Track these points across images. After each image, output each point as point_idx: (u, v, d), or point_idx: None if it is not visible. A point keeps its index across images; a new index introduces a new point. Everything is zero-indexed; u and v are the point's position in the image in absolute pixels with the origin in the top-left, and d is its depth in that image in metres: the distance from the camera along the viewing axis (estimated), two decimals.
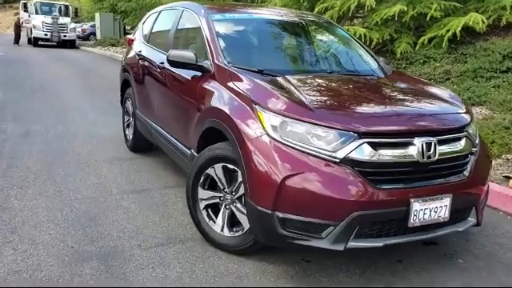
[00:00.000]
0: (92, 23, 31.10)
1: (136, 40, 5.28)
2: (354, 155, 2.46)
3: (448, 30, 7.37)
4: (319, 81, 3.17)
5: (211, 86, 3.22)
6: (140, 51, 4.86)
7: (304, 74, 3.30)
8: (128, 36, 5.73)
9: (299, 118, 2.55)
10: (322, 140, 2.50)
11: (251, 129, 2.66)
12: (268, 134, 2.58)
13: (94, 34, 29.63)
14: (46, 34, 23.97)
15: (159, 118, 4.20)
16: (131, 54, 5.22)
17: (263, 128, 2.60)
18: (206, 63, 3.38)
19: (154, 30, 4.94)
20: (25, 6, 28.17)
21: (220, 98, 3.05)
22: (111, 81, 11.00)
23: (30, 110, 7.30)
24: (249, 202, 2.63)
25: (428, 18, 7.64)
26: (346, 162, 2.45)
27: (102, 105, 7.95)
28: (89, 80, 11.21)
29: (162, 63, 4.06)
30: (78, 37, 28.33)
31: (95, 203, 3.74)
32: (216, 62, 3.31)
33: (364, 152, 2.46)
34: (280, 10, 4.54)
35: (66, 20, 25.17)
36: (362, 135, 2.48)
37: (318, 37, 3.96)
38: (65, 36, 24.52)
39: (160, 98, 4.16)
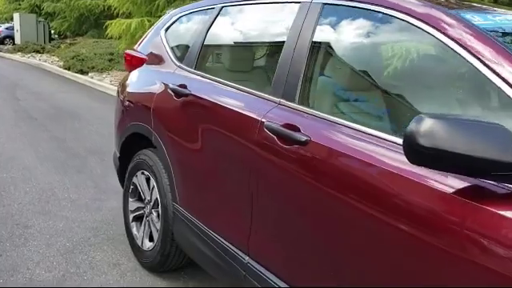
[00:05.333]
0: (8, 25, 26.88)
1: (161, 61, 2.79)
2: None
3: None
4: None
5: None
6: (183, 86, 2.40)
7: None
8: (129, 51, 3.20)
9: None
10: None
11: None
12: None
13: (10, 37, 25.53)
14: None
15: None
16: (150, 85, 2.73)
17: None
18: None
19: (209, 42, 2.50)
20: None
21: None
22: (53, 103, 8.13)
23: None
24: None
25: None
26: None
27: (52, 149, 5.22)
28: (21, 102, 8.20)
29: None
30: None
31: None
32: None
33: None
34: None
35: None
36: None
37: None
38: None
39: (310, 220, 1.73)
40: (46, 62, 15.55)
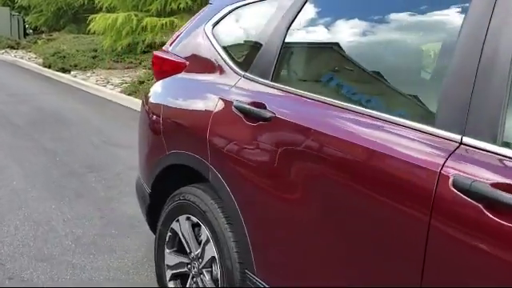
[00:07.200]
0: None
1: (211, 67, 2.07)
2: None
3: None
4: None
5: None
6: (260, 105, 1.69)
7: None
8: (158, 53, 2.46)
9: None
10: None
11: None
12: None
13: None
14: None
15: None
16: (200, 101, 2.01)
17: None
18: None
19: (295, 43, 1.80)
20: None
21: None
22: (37, 105, 7.24)
23: None
24: None
25: None
26: None
27: (43, 165, 4.40)
28: None
29: None
30: None
31: None
32: None
33: None
34: None
35: None
36: None
37: None
38: None
39: None
40: (22, 58, 14.47)
